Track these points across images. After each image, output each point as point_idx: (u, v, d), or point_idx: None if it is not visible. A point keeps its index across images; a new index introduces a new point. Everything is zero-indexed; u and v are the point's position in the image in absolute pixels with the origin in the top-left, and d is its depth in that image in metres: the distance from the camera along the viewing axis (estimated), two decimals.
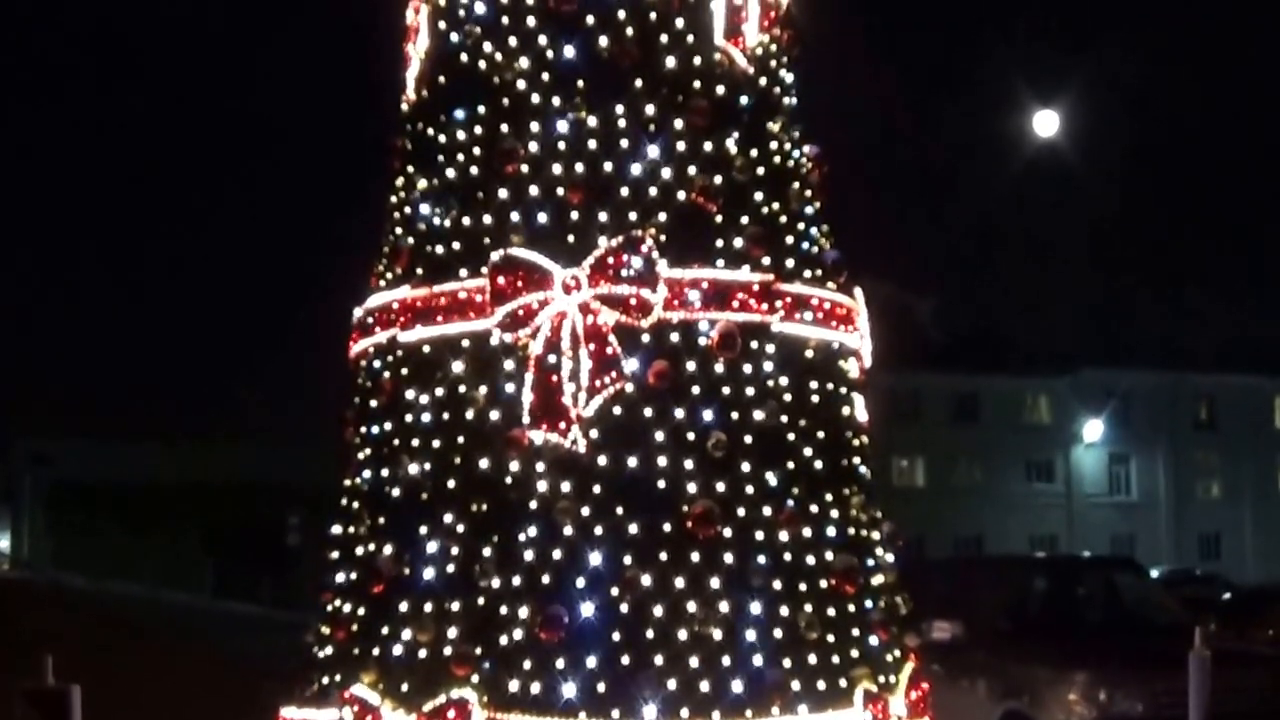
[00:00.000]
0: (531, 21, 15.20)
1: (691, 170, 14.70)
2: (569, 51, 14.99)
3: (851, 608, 14.59)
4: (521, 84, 15.02)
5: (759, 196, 15.08)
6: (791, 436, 14.64)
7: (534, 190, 14.63)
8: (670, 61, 15.05)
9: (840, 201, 16.60)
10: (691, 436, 14.05)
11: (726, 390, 14.29)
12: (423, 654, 13.89)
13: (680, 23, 15.20)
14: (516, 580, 13.69)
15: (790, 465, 14.57)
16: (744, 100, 15.33)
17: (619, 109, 14.77)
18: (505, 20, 15.34)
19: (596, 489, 13.89)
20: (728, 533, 13.94)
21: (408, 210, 15.52)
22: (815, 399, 15.00)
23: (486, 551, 13.91)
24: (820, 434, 14.94)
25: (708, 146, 14.87)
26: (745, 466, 14.22)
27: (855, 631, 14.51)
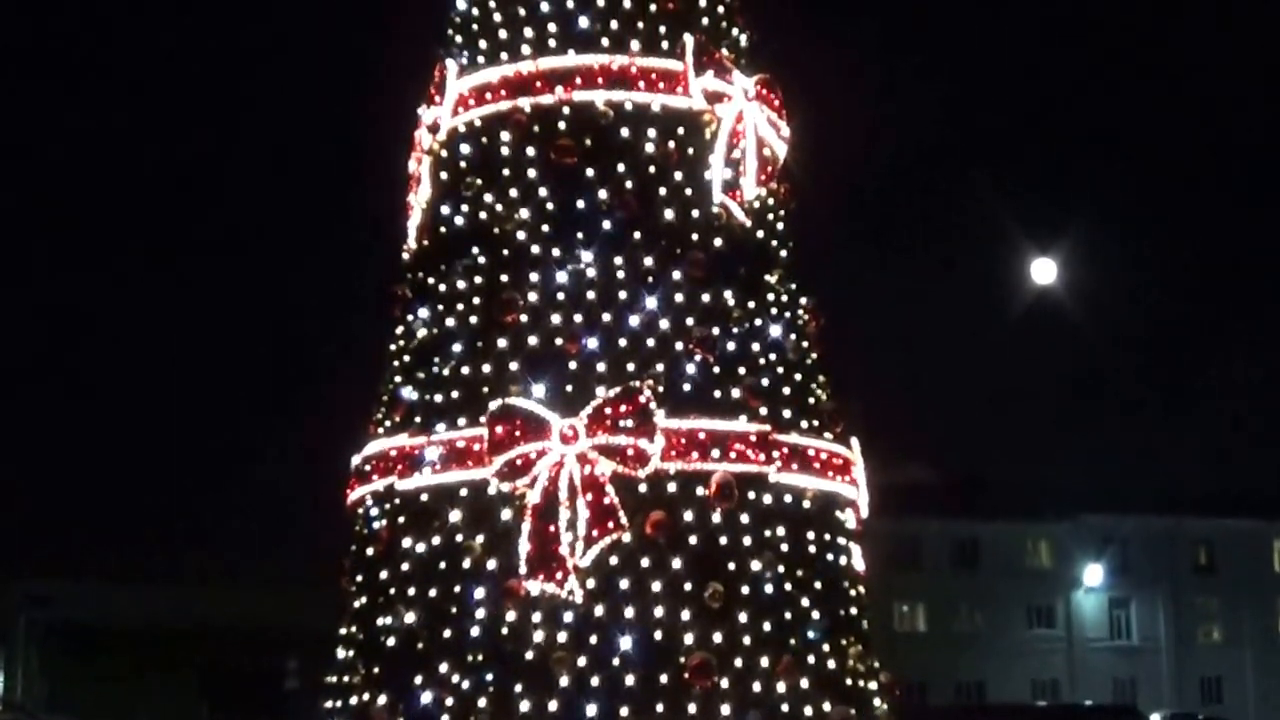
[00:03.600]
0: (532, 173, 15.46)
1: (689, 321, 14.85)
2: (569, 203, 15.25)
3: None
4: (522, 234, 15.24)
5: (756, 347, 15.22)
6: (789, 587, 14.63)
7: (533, 340, 14.78)
8: (669, 214, 15.29)
9: (836, 351, 16.72)
10: (689, 587, 14.06)
11: (724, 540, 14.33)
12: None
13: (679, 176, 15.47)
14: None
15: (787, 615, 14.56)
16: (741, 253, 15.54)
17: (618, 260, 14.97)
18: (506, 171, 15.61)
19: (593, 639, 13.87)
20: (725, 684, 13.91)
21: (407, 358, 15.64)
22: (812, 549, 15.02)
23: (481, 702, 13.85)
24: (817, 584, 14.94)
25: (706, 298, 15.04)
26: (742, 617, 14.21)
27: None
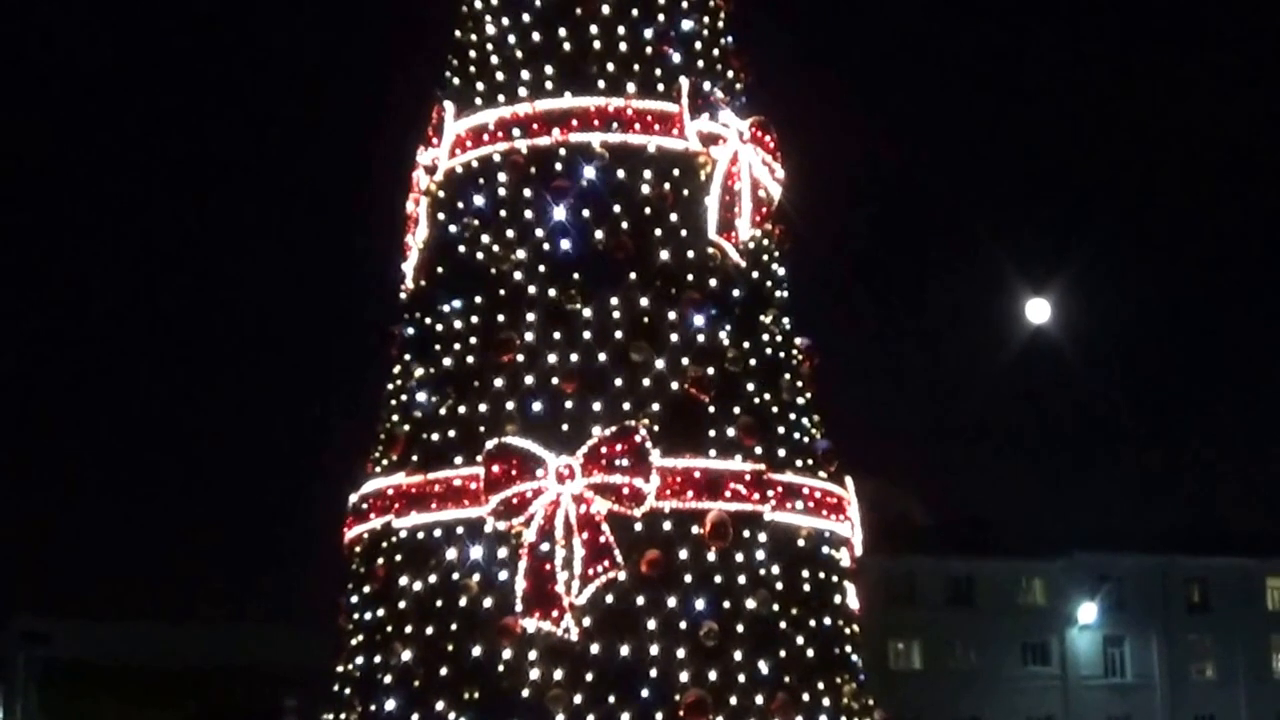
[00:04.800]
0: (529, 214, 15.59)
1: (684, 361, 14.96)
2: (565, 244, 15.38)
3: None
4: (518, 275, 15.36)
5: (751, 387, 15.33)
6: (783, 625, 14.73)
7: (529, 379, 14.88)
8: (664, 255, 15.41)
9: (830, 391, 16.84)
10: (684, 625, 14.15)
11: (719, 579, 14.42)
12: None
13: (674, 217, 15.61)
14: None
15: (782, 654, 14.64)
16: (736, 293, 15.67)
17: (614, 300, 15.09)
18: (503, 212, 15.74)
19: (589, 677, 13.95)
20: None
21: (404, 397, 15.73)
22: (807, 588, 15.11)
23: None
24: (812, 622, 15.03)
25: (700, 338, 15.15)
26: (737, 655, 14.30)
27: None
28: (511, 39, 16.34)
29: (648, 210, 15.54)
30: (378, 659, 14.85)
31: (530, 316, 15.11)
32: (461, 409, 15.04)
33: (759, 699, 14.26)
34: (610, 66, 16.02)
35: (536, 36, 16.23)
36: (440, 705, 14.15)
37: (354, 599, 15.52)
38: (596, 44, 16.11)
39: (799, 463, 15.43)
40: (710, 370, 15.00)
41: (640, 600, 14.11)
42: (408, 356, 15.89)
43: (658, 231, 15.48)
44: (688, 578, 14.27)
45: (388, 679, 14.67)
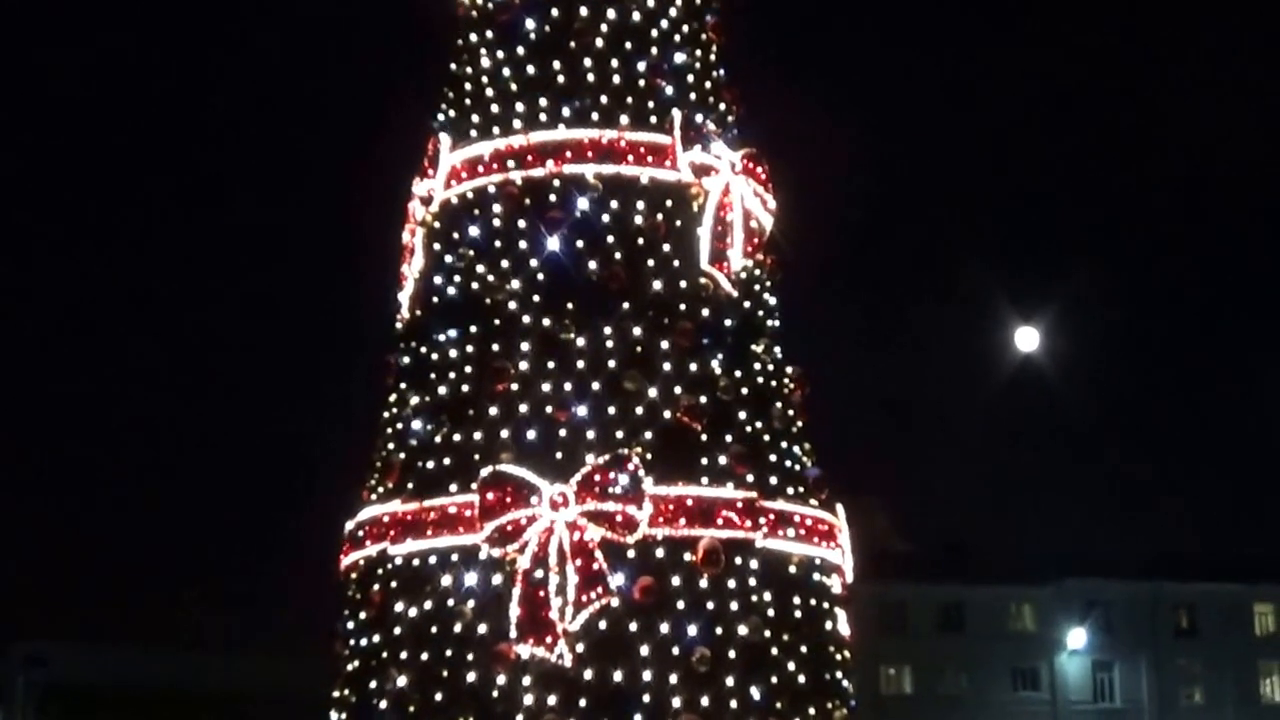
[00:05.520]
0: (523, 244, 15.77)
1: (677, 390, 15.13)
2: (559, 274, 15.55)
3: None
4: (513, 304, 15.53)
5: (743, 415, 15.50)
6: (775, 651, 14.87)
7: (523, 408, 15.04)
8: (657, 285, 15.60)
9: (821, 418, 16.99)
10: (676, 651, 14.29)
11: (711, 605, 14.56)
12: None
13: (667, 248, 15.80)
14: None
15: (774, 679, 14.77)
16: (728, 322, 15.85)
17: (607, 330, 15.26)
18: (498, 243, 15.92)
19: (582, 703, 14.08)
20: None
21: (400, 425, 15.87)
22: (798, 614, 15.25)
23: None
24: (803, 648, 15.16)
25: (693, 367, 15.33)
26: (729, 681, 14.43)
27: None
28: (506, 71, 16.56)
29: (641, 241, 15.73)
30: (373, 685, 14.96)
31: (524, 346, 15.28)
32: (456, 437, 15.19)
33: None
34: (604, 99, 16.24)
35: (531, 69, 16.45)
36: None
37: (350, 625, 15.64)
38: (590, 76, 16.32)
39: (790, 490, 15.59)
40: (702, 399, 15.16)
41: (633, 626, 14.25)
42: (403, 385, 16.05)
43: (651, 262, 15.67)
44: (680, 604, 14.41)
45: (383, 704, 14.78)
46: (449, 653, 14.50)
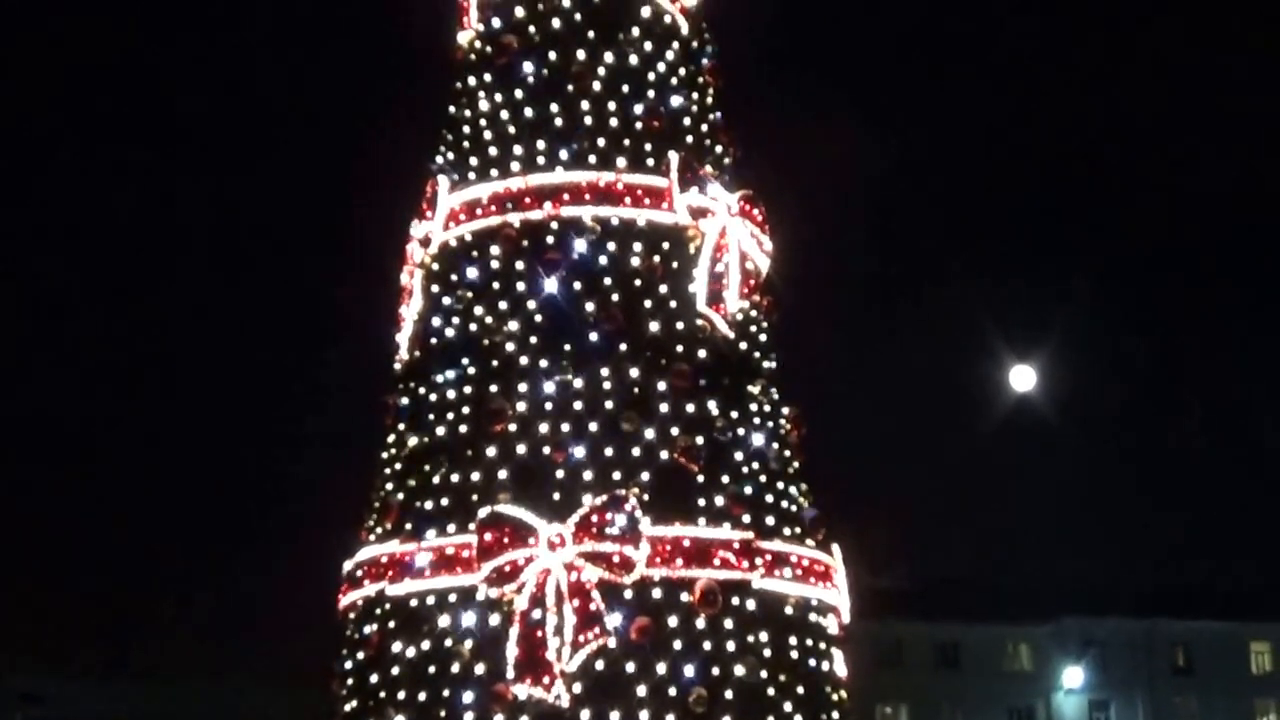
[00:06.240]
0: (521, 286, 15.87)
1: (674, 431, 15.20)
2: (556, 315, 15.65)
3: None
4: (510, 346, 15.61)
5: (739, 456, 15.57)
6: (771, 691, 14.89)
7: (521, 449, 15.11)
8: (654, 326, 15.70)
9: (817, 459, 17.06)
10: (673, 692, 14.32)
11: (707, 645, 14.60)
12: None
13: (664, 289, 15.90)
14: None
15: (770, 719, 14.79)
16: (725, 364, 15.94)
17: (604, 371, 15.35)
18: (495, 285, 16.01)
19: None
20: None
21: (398, 466, 15.93)
22: (795, 654, 15.29)
23: None
24: (800, 689, 15.19)
25: (690, 408, 15.41)
26: None
27: None
28: (504, 114, 16.71)
29: (638, 282, 15.83)
30: None
31: (522, 387, 15.36)
32: (454, 478, 15.25)
33: None
34: (601, 142, 16.38)
35: (529, 112, 16.60)
36: None
37: (348, 664, 15.67)
38: (588, 120, 16.47)
39: (787, 531, 15.66)
40: (699, 440, 15.24)
41: (630, 667, 14.29)
42: (402, 426, 16.12)
43: (648, 303, 15.77)
44: (677, 644, 14.46)
45: None
46: (446, 693, 14.53)
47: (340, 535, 16.66)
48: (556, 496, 14.72)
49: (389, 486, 15.91)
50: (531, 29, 16.91)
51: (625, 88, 16.66)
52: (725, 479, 15.25)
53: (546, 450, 15.01)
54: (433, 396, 15.83)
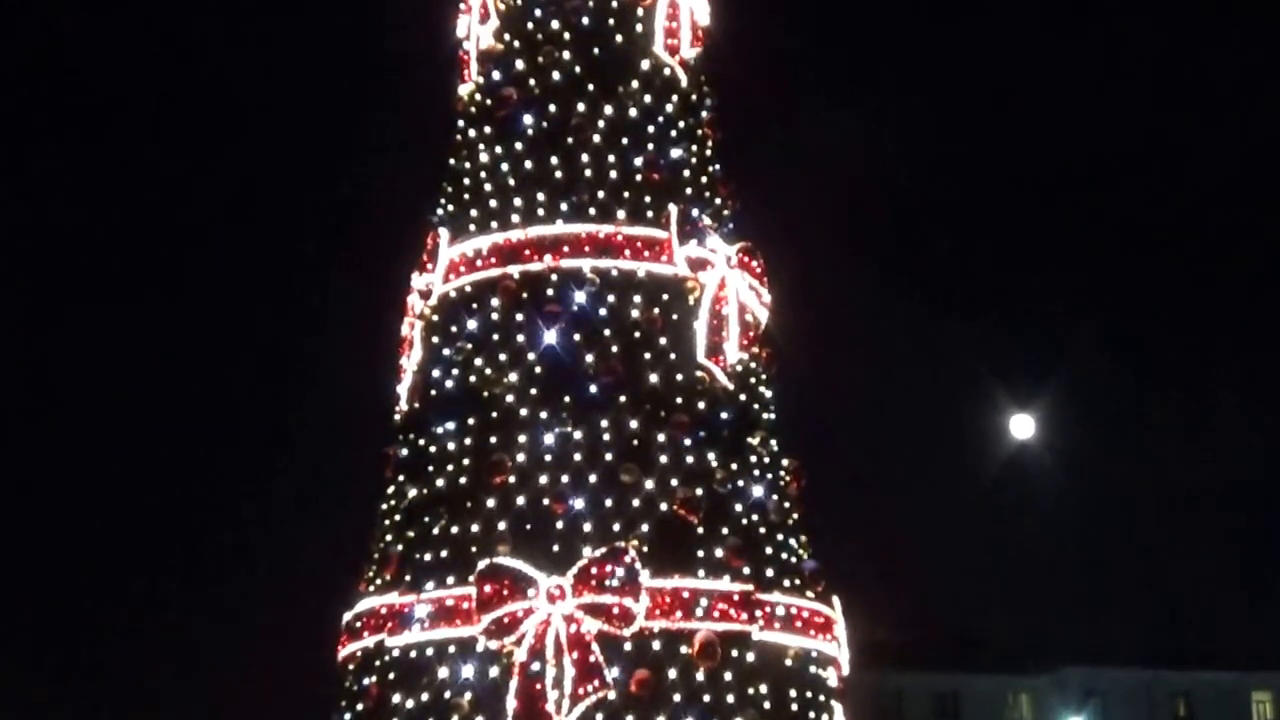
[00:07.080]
0: (521, 338, 15.91)
1: (673, 482, 15.21)
2: (556, 367, 15.69)
3: None
4: (510, 397, 15.64)
5: (739, 508, 15.57)
6: None
7: (520, 500, 15.12)
8: (653, 378, 15.73)
9: (817, 510, 17.05)
10: None
11: (707, 698, 14.56)
12: None
13: (663, 341, 15.94)
14: None
15: None
16: (724, 415, 15.96)
17: (604, 423, 15.37)
18: (495, 336, 16.06)
19: None
20: None
21: (398, 517, 15.93)
22: (795, 707, 15.24)
23: None
24: None
25: (689, 460, 15.43)
26: None
27: None
28: (505, 166, 16.80)
29: (637, 334, 15.88)
30: None
31: (522, 438, 15.37)
32: (454, 529, 15.25)
33: None
34: (601, 194, 16.46)
35: (529, 164, 16.68)
36: None
37: (347, 716, 15.62)
38: (587, 172, 16.55)
39: (787, 583, 15.64)
40: (699, 491, 15.24)
41: (630, 719, 14.24)
42: (401, 477, 16.13)
43: (647, 355, 15.81)
44: (677, 697, 14.42)
45: None
46: None
47: (339, 586, 16.66)
48: (556, 548, 14.72)
49: (388, 538, 15.91)
50: (531, 82, 17.02)
51: (625, 140, 16.75)
52: (725, 531, 15.24)
53: (546, 502, 15.01)
54: (432, 448, 15.85)
